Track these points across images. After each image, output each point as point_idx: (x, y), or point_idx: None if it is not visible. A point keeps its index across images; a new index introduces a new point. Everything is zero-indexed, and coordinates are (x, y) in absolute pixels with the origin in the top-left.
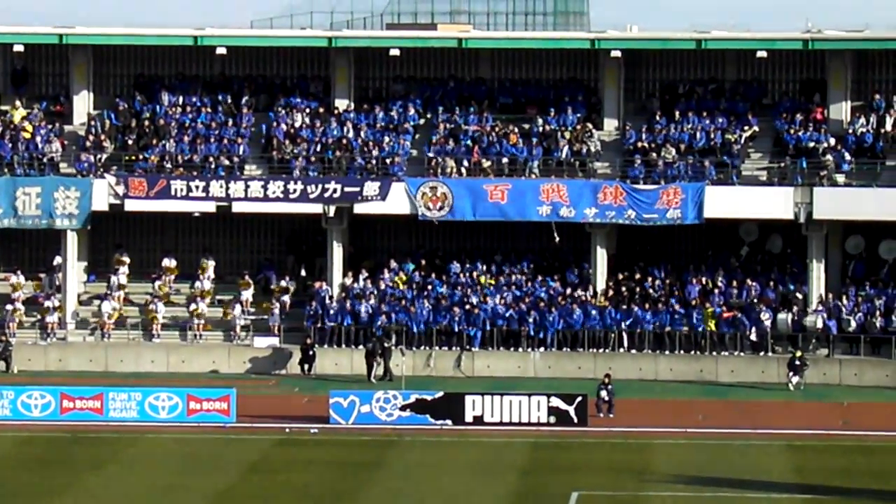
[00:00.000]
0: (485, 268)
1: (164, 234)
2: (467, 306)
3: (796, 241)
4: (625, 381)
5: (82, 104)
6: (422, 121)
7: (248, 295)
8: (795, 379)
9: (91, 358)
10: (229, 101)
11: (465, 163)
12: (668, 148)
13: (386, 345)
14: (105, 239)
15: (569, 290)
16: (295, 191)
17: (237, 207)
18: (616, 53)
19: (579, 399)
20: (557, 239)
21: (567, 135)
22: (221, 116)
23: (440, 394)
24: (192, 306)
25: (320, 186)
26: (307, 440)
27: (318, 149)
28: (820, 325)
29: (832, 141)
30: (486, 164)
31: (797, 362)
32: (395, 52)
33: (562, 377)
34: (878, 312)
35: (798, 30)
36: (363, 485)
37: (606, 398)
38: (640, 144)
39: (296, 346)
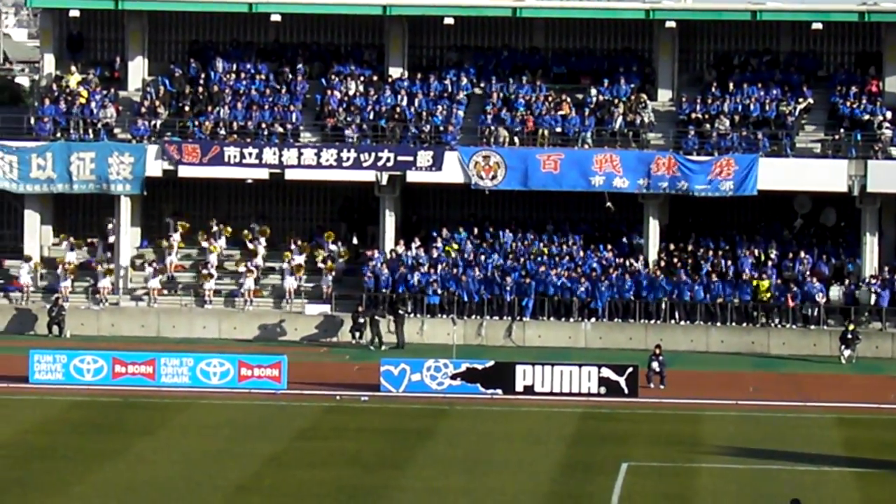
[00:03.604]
0: (537, 238)
1: (216, 200)
2: (519, 276)
3: (850, 214)
4: (676, 353)
5: (137, 70)
6: (475, 90)
7: (303, 259)
8: (847, 352)
9: (143, 323)
10: (284, 68)
11: (519, 132)
12: (722, 119)
13: (400, 312)
14: (158, 205)
15: (621, 261)
16: (348, 159)
17: (290, 175)
18: (671, 24)
19: (630, 370)
20: (610, 205)
21: (621, 105)
22: (275, 83)
23: (491, 363)
24: (244, 273)
25: (373, 154)
26: (357, 408)
27: (372, 117)
28: (873, 298)
29: (888, 114)
30: (539, 133)
31: (849, 335)
32: (449, 20)
33: (612, 348)
34: None
35: (854, 2)
36: (413, 453)
37: (657, 369)
38: (693, 115)
39: (347, 314)
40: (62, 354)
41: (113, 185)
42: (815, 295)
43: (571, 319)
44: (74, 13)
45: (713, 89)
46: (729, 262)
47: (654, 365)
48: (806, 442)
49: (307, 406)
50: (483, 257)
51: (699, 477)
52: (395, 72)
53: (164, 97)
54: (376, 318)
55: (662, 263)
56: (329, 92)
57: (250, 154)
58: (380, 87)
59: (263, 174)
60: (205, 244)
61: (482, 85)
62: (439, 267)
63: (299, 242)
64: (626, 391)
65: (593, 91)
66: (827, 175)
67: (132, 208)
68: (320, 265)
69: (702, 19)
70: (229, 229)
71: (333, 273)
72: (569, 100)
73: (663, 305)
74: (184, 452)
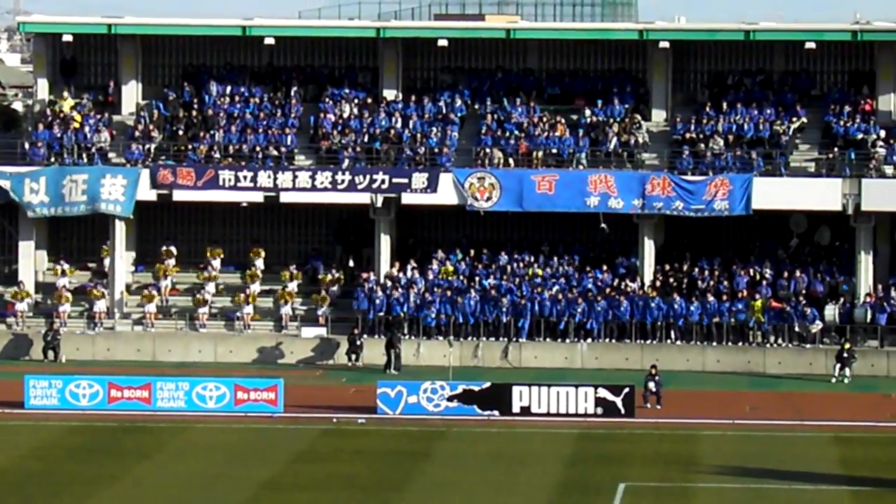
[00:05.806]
0: (532, 259)
1: (211, 224)
2: (514, 297)
3: (844, 232)
4: (672, 373)
5: (131, 94)
6: (469, 111)
7: (294, 286)
8: (843, 371)
9: (139, 348)
10: (278, 91)
11: (513, 153)
12: (716, 139)
13: (398, 334)
14: (153, 229)
15: (616, 282)
16: (343, 181)
17: (285, 198)
18: (664, 44)
19: (626, 390)
20: (604, 226)
21: (615, 126)
22: (269, 107)
23: (487, 384)
24: (239, 296)
25: (368, 177)
26: (354, 430)
27: (366, 139)
28: (868, 316)
29: (881, 132)
30: (534, 154)
31: (845, 354)
32: (443, 42)
33: (609, 368)
34: None
35: (847, 21)
36: (410, 475)
37: (654, 389)
38: (688, 135)
39: (343, 337)
40: (58, 380)
41: (104, 205)
42: (812, 321)
43: (567, 340)
44: (67, 38)
45: (707, 109)
46: (724, 282)
47: (651, 385)
48: (802, 461)
49: (304, 429)
50: (478, 279)
51: (696, 497)
52: (389, 94)
53: (157, 121)
54: (394, 340)
55: (658, 284)
56: (323, 115)
57: (245, 177)
58: (374, 109)
59: (258, 197)
60: (199, 269)
61: (476, 106)
62: (435, 289)
63: (293, 269)
64: (622, 411)
65: (587, 112)
66: (821, 194)
67: (126, 233)
68: (318, 294)
69: (695, 39)
70: (220, 252)
71: (328, 304)
72: (563, 121)
73: (659, 325)
74: (180, 476)
